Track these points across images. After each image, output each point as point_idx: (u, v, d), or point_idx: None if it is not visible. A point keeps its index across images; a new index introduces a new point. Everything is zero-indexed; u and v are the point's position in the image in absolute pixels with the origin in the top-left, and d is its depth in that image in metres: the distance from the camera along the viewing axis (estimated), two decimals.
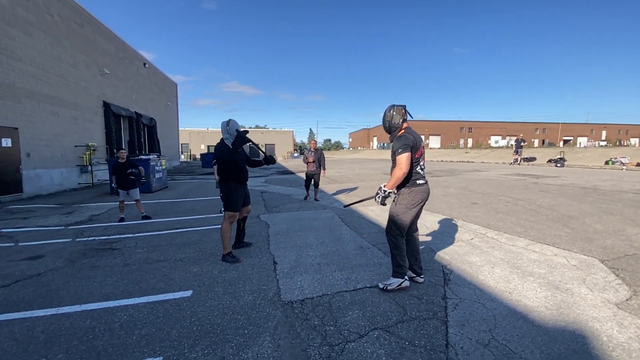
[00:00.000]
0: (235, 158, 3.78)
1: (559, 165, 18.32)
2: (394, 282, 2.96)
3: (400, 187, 2.99)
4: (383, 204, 3.05)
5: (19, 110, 9.53)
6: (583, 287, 2.99)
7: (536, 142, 53.93)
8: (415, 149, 2.91)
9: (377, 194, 3.02)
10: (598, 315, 2.49)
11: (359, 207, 7.05)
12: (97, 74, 13.74)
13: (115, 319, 2.57)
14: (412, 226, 3.14)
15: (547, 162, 20.32)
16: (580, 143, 40.29)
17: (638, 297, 2.78)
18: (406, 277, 3.00)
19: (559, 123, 66.43)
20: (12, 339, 2.33)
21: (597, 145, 32.60)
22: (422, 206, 3.06)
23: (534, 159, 22.26)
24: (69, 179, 11.68)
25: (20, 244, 4.79)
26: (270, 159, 4.05)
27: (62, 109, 11.42)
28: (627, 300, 2.73)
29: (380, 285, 3.03)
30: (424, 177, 3.03)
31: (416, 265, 3.15)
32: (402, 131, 2.99)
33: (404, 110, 3.03)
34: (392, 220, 3.02)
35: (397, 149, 2.85)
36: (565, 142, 57.70)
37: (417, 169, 2.97)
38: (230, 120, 3.89)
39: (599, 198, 7.55)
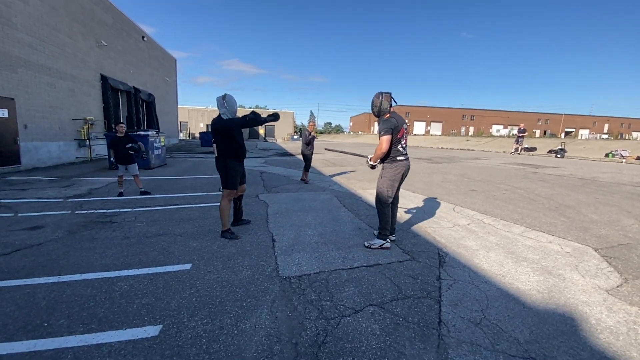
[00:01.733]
0: (233, 133, 3.72)
1: (559, 156, 18.31)
2: (377, 242, 3.57)
3: (383, 160, 3.59)
4: (372, 167, 3.75)
5: (15, 80, 9.34)
6: (575, 273, 3.05)
7: (538, 133, 53.70)
8: (397, 130, 3.44)
9: (366, 159, 3.78)
10: (588, 300, 2.55)
11: (357, 190, 7.07)
12: (95, 46, 13.39)
13: (115, 289, 2.61)
14: (394, 197, 3.68)
15: (548, 152, 20.29)
16: (582, 135, 40.12)
17: (629, 284, 2.84)
18: (388, 239, 3.58)
19: (561, 114, 65.91)
20: (14, 304, 2.37)
21: (598, 137, 32.49)
22: (403, 179, 3.63)
23: (534, 149, 22.20)
24: (67, 152, 11.61)
25: (19, 214, 4.81)
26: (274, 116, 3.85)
27: (59, 81, 11.20)
28: (617, 287, 2.79)
29: (366, 244, 3.63)
30: (404, 154, 3.58)
31: (391, 228, 3.78)
32: (388, 115, 3.48)
33: (390, 97, 3.51)
34: (380, 193, 3.59)
35: (380, 131, 3.43)
36: (567, 133, 57.44)
37: (399, 147, 3.52)
38: (226, 94, 3.78)
39: (596, 189, 7.59)
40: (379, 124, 3.51)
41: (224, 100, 3.75)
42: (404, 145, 3.57)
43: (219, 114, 3.83)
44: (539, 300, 2.54)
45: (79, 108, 12.27)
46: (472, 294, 2.60)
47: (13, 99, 9.27)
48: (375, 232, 3.92)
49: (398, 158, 3.52)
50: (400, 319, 2.23)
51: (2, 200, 5.63)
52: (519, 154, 20.83)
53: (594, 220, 4.86)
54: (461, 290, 2.66)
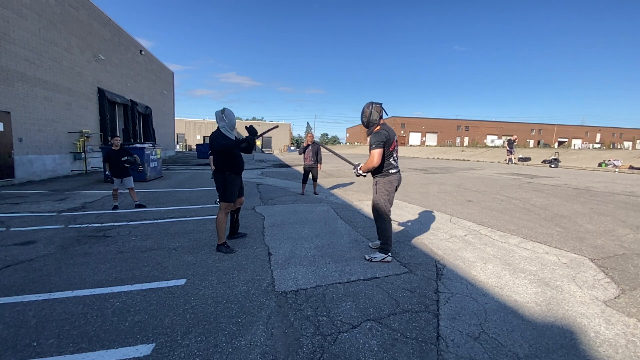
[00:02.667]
0: (232, 148, 3.76)
1: (553, 165, 18.51)
2: (379, 256, 3.52)
3: (375, 173, 3.52)
4: (357, 175, 3.65)
5: (12, 93, 9.35)
6: (573, 284, 3.04)
7: (531, 143, 54.34)
8: (389, 143, 3.36)
9: (355, 168, 3.67)
10: (586, 312, 2.54)
11: (354, 202, 7.06)
12: (92, 60, 13.50)
13: (107, 306, 2.56)
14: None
15: (542, 162, 20.52)
16: (574, 145, 40.66)
17: (626, 295, 2.83)
18: (390, 254, 3.53)
19: (554, 124, 66.99)
20: (2, 323, 2.31)
21: (591, 147, 32.95)
22: (396, 191, 3.59)
23: (528, 159, 22.46)
24: (62, 165, 11.54)
25: (11, 229, 4.73)
26: (251, 130, 3.99)
27: (56, 94, 11.23)
28: (615, 298, 2.78)
29: (367, 257, 3.58)
30: (396, 167, 3.52)
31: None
32: (379, 127, 3.38)
33: (381, 108, 3.41)
34: (379, 209, 3.53)
35: (372, 144, 3.33)
36: (560, 143, 58.19)
37: (391, 160, 3.45)
38: (224, 109, 3.83)
39: (591, 199, 7.65)
40: (368, 135, 3.46)
41: (223, 115, 3.80)
42: (396, 158, 3.51)
43: (218, 128, 3.85)
44: (537, 312, 2.52)
45: (75, 121, 12.27)
46: (470, 307, 2.58)
47: (9, 112, 9.26)
48: (371, 244, 4.01)
49: (391, 171, 3.47)
50: (398, 334, 2.20)
51: None
52: (515, 163, 21.04)
53: (590, 230, 4.88)
54: (459, 304, 2.63)
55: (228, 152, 3.76)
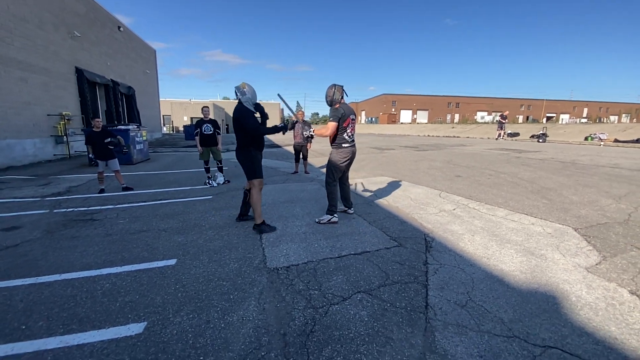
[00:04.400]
0: (258, 125, 3.66)
1: (541, 140, 18.75)
2: (326, 217, 4.06)
3: (331, 144, 4.06)
4: (306, 140, 4.55)
5: None
6: (556, 252, 3.13)
7: (520, 118, 54.76)
8: (344, 119, 3.89)
9: (306, 129, 4.41)
10: (569, 278, 2.63)
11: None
12: (68, 37, 12.77)
13: (97, 287, 2.54)
14: (343, 177, 4.25)
15: (530, 137, 20.75)
16: (562, 120, 41.19)
17: (607, 261, 2.94)
18: (335, 215, 4.07)
19: (543, 100, 67.33)
20: None
21: (578, 122, 33.39)
22: (349, 163, 4.13)
23: (517, 134, 22.68)
24: (43, 149, 11.15)
25: None
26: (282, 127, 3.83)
27: (32, 75, 10.67)
28: (596, 264, 2.88)
29: (316, 220, 4.11)
30: (350, 141, 4.02)
31: (347, 203, 4.41)
32: (338, 105, 3.92)
33: (342, 90, 3.96)
34: (327, 174, 4.12)
35: (330, 117, 3.91)
36: (549, 118, 58.84)
37: (344, 135, 3.97)
38: (245, 83, 3.67)
39: (576, 171, 7.81)
40: (329, 113, 3.97)
41: (245, 89, 3.64)
42: (350, 134, 4.02)
43: (241, 102, 3.64)
44: (522, 280, 2.60)
45: (54, 103, 11.75)
46: (458, 277, 2.64)
47: None
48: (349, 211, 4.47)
49: (343, 145, 3.99)
50: (388, 305, 2.25)
51: None
52: (503, 139, 21.24)
53: (574, 202, 5.01)
54: (447, 274, 2.69)
55: (257, 129, 3.61)
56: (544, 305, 2.26)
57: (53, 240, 3.60)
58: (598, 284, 2.54)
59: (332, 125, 3.86)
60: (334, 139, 3.99)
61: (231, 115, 3.78)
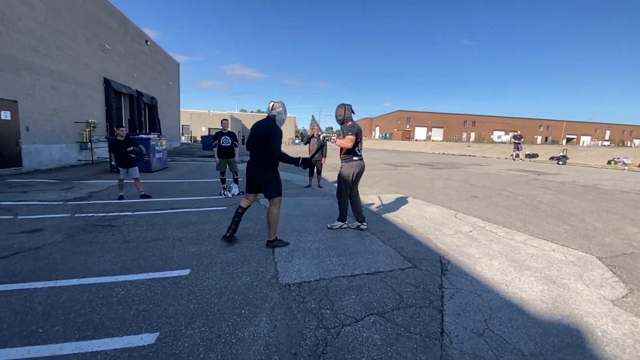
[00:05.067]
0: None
1: (560, 162, 18.26)
2: (338, 224, 4.48)
3: (342, 158, 4.38)
4: (325, 139, 4.72)
5: (19, 82, 9.39)
6: (580, 282, 3.00)
7: (539, 139, 53.64)
8: (358, 134, 4.27)
9: (327, 138, 4.66)
10: (593, 311, 2.50)
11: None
12: (98, 50, 13.49)
13: (113, 294, 2.58)
14: (353, 190, 4.46)
15: (549, 159, 20.25)
16: (583, 142, 40.11)
17: (634, 294, 2.79)
18: (346, 222, 4.49)
19: (562, 121, 65.91)
20: (10, 309, 2.34)
21: (600, 144, 32.44)
22: (359, 176, 4.41)
23: (536, 155, 22.17)
24: (68, 155, 11.63)
25: (19, 217, 4.79)
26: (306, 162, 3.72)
27: (62, 84, 11.26)
28: (623, 297, 2.74)
29: (328, 226, 4.51)
30: (359, 155, 4.37)
31: (359, 217, 4.48)
32: (350, 122, 4.31)
33: (351, 108, 4.35)
34: (338, 186, 4.43)
35: (348, 132, 4.23)
36: (569, 140, 57.43)
37: (356, 149, 4.32)
38: (282, 102, 3.70)
39: (599, 197, 7.54)
40: (342, 130, 4.34)
41: (282, 109, 3.68)
42: (360, 149, 4.38)
43: (275, 119, 3.62)
44: (543, 310, 2.50)
45: (81, 111, 12.32)
46: (475, 304, 2.55)
47: (16, 101, 9.31)
48: (350, 225, 4.58)
49: (354, 158, 4.34)
50: (402, 329, 2.19)
51: (2, 203, 5.62)
52: (521, 160, 20.80)
53: (598, 229, 4.81)
54: (464, 300, 2.61)
55: (279, 145, 3.54)
56: (567, 339, 2.15)
57: (73, 244, 3.71)
58: (625, 318, 2.41)
59: (351, 139, 4.18)
60: (345, 153, 4.32)
61: (248, 127, 3.84)
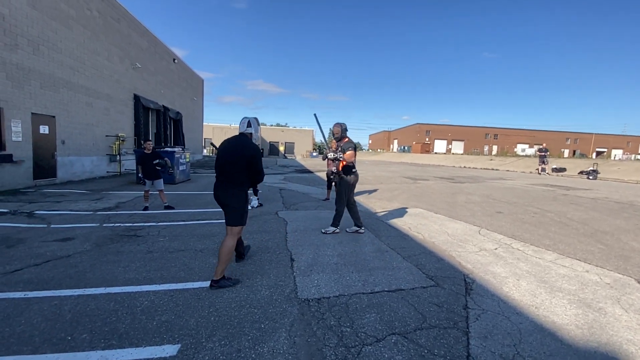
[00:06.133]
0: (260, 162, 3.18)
1: (591, 177, 17.39)
2: (331, 229, 4.89)
3: (344, 171, 4.75)
4: (333, 158, 4.79)
5: (58, 99, 10.06)
6: (617, 307, 2.80)
7: (566, 153, 51.49)
8: (355, 150, 4.78)
9: (336, 157, 4.74)
10: (634, 338, 2.32)
11: (377, 210, 6.95)
12: (130, 68, 14.29)
13: (137, 304, 2.64)
14: (351, 199, 4.92)
15: (579, 173, 19.32)
16: (615, 155, 38.08)
17: None
18: (338, 228, 4.92)
19: (592, 133, 63.16)
20: (41, 315, 2.44)
21: (633, 158, 30.68)
22: (354, 186, 4.89)
23: (564, 169, 21.23)
24: (99, 166, 12.22)
25: (52, 225, 5.04)
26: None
27: (96, 100, 11.96)
28: None
29: (323, 231, 4.93)
30: (355, 167, 4.84)
31: (358, 222, 4.97)
32: (347, 139, 4.86)
33: (346, 127, 4.96)
34: (338, 195, 4.87)
35: (349, 148, 4.69)
36: (599, 153, 54.70)
37: (353, 162, 4.75)
38: (256, 118, 3.39)
39: (635, 214, 7.09)
40: (341, 146, 4.76)
41: (259, 126, 3.41)
42: (355, 161, 4.89)
43: (251, 137, 3.28)
44: (578, 336, 2.34)
45: (112, 125, 12.99)
46: (503, 326, 2.43)
47: (54, 116, 9.95)
48: (348, 229, 5.04)
49: (353, 170, 4.79)
50: (425, 351, 2.11)
51: (37, 212, 5.95)
52: (547, 174, 19.97)
53: (635, 249, 4.51)
54: (490, 322, 2.49)
55: (257, 165, 3.14)
56: None
57: (101, 253, 3.85)
58: None
59: (352, 153, 4.69)
60: (345, 166, 4.72)
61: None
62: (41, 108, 9.44)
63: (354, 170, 4.80)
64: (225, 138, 3.44)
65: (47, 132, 9.71)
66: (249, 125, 3.28)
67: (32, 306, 2.57)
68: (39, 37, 9.23)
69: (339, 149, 4.78)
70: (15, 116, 8.54)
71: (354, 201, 4.99)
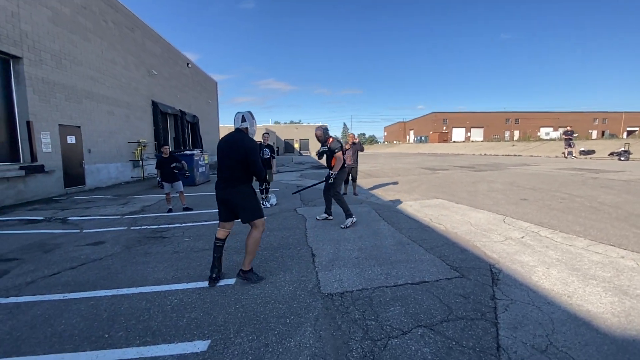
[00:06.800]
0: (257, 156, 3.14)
1: (622, 158, 16.49)
2: (349, 221, 5.01)
3: (333, 167, 5.12)
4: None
5: (81, 110, 10.50)
6: None
7: (595, 134, 48.96)
8: (342, 148, 5.16)
9: (330, 177, 5.11)
10: None
11: (396, 203, 6.87)
12: (146, 75, 14.70)
13: (167, 302, 2.74)
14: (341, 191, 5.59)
15: (609, 155, 18.35)
16: None
17: None
18: (354, 216, 5.09)
19: (622, 112, 59.61)
20: (80, 315, 2.58)
21: None
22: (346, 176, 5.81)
23: (592, 152, 20.22)
24: (123, 172, 12.70)
25: (84, 230, 5.30)
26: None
27: (117, 108, 12.40)
28: None
29: (342, 226, 4.97)
30: (345, 163, 5.26)
31: (329, 211, 5.48)
32: (332, 139, 5.19)
33: (327, 129, 5.23)
34: (333, 188, 5.15)
35: (336, 149, 5.06)
36: (630, 133, 51.63)
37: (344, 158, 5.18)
38: (250, 112, 3.29)
39: None
40: (330, 147, 5.10)
41: (254, 119, 3.31)
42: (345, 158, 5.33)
43: (248, 132, 3.23)
44: (615, 325, 2.24)
45: (133, 132, 13.45)
46: (534, 316, 2.36)
47: (79, 126, 10.41)
48: (342, 225, 5.06)
49: (344, 166, 5.23)
50: (453, 343, 2.08)
51: (70, 218, 6.26)
52: (574, 157, 19.09)
53: None
54: (520, 312, 2.42)
55: (256, 159, 3.12)
56: None
57: (130, 255, 4.02)
58: None
59: (341, 155, 5.07)
60: (337, 163, 5.05)
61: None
62: (67, 119, 9.89)
63: (345, 165, 5.31)
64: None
65: (74, 141, 10.17)
66: (243, 120, 3.21)
67: (71, 307, 2.72)
68: (61, 51, 9.64)
69: (336, 149, 5.18)
70: (44, 128, 9.00)
71: (339, 193, 5.35)
